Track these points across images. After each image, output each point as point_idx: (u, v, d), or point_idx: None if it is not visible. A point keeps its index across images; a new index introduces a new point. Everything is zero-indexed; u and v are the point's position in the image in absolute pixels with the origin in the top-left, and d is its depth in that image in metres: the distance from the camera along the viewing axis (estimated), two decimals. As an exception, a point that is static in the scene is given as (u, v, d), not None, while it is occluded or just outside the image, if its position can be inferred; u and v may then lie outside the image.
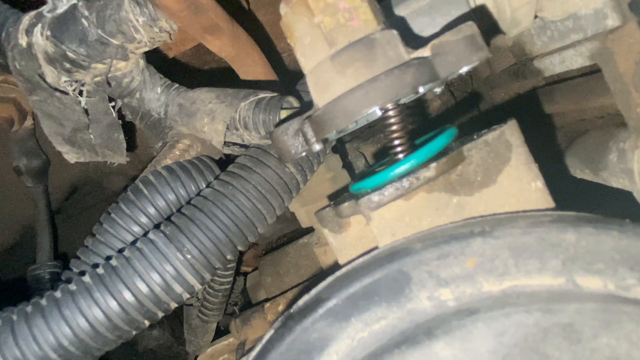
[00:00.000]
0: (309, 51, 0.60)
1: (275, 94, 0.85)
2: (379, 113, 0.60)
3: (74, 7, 0.78)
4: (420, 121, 1.42)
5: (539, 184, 0.63)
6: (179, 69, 1.17)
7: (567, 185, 0.99)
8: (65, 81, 0.82)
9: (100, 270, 0.75)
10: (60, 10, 0.79)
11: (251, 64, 0.95)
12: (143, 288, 0.73)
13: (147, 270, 0.74)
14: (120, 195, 0.87)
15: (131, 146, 1.02)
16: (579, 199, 1.05)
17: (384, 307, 0.50)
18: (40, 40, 0.78)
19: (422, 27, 0.71)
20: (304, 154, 0.63)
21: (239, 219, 0.79)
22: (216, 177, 0.86)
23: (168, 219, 0.81)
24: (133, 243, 0.79)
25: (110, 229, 0.83)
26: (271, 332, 0.57)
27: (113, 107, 0.88)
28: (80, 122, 0.86)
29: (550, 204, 0.62)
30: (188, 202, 0.82)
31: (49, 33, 0.78)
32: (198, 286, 0.78)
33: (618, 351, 0.41)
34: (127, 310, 0.73)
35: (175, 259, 0.75)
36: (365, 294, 0.52)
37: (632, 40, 0.76)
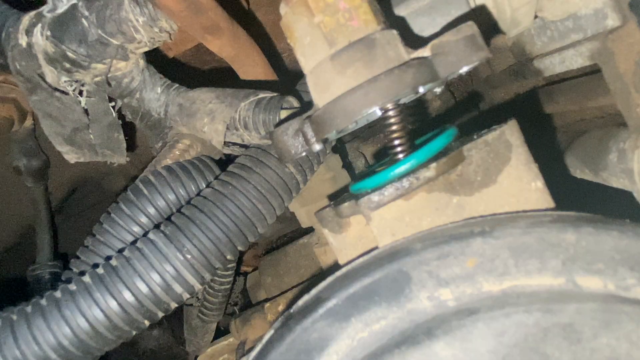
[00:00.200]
0: (309, 51, 0.60)
1: (275, 94, 0.85)
2: (379, 113, 0.60)
3: (74, 7, 0.78)
4: (420, 121, 1.42)
5: (539, 184, 0.63)
6: (179, 69, 1.16)
7: (567, 185, 0.99)
8: (65, 81, 0.82)
9: (100, 270, 0.75)
10: (60, 10, 0.79)
11: (251, 64, 0.95)
12: (143, 288, 0.73)
13: (147, 270, 0.74)
14: (120, 195, 0.87)
15: (131, 146, 1.01)
16: (579, 199, 1.05)
17: (384, 307, 0.50)
18: (40, 40, 0.78)
19: (422, 27, 0.71)
20: (304, 154, 0.63)
21: (239, 219, 0.79)
22: (216, 177, 0.86)
23: (168, 219, 0.81)
24: (133, 243, 0.79)
25: (110, 229, 0.84)
26: (271, 332, 0.57)
27: (113, 107, 0.88)
28: (80, 122, 0.86)
29: (550, 204, 0.62)
30: (188, 202, 0.82)
31: (49, 33, 0.78)
32: (198, 286, 0.78)
33: (618, 351, 0.41)
34: (127, 310, 0.73)
35: (175, 259, 0.75)
36: (365, 294, 0.52)
37: (632, 40, 0.76)
